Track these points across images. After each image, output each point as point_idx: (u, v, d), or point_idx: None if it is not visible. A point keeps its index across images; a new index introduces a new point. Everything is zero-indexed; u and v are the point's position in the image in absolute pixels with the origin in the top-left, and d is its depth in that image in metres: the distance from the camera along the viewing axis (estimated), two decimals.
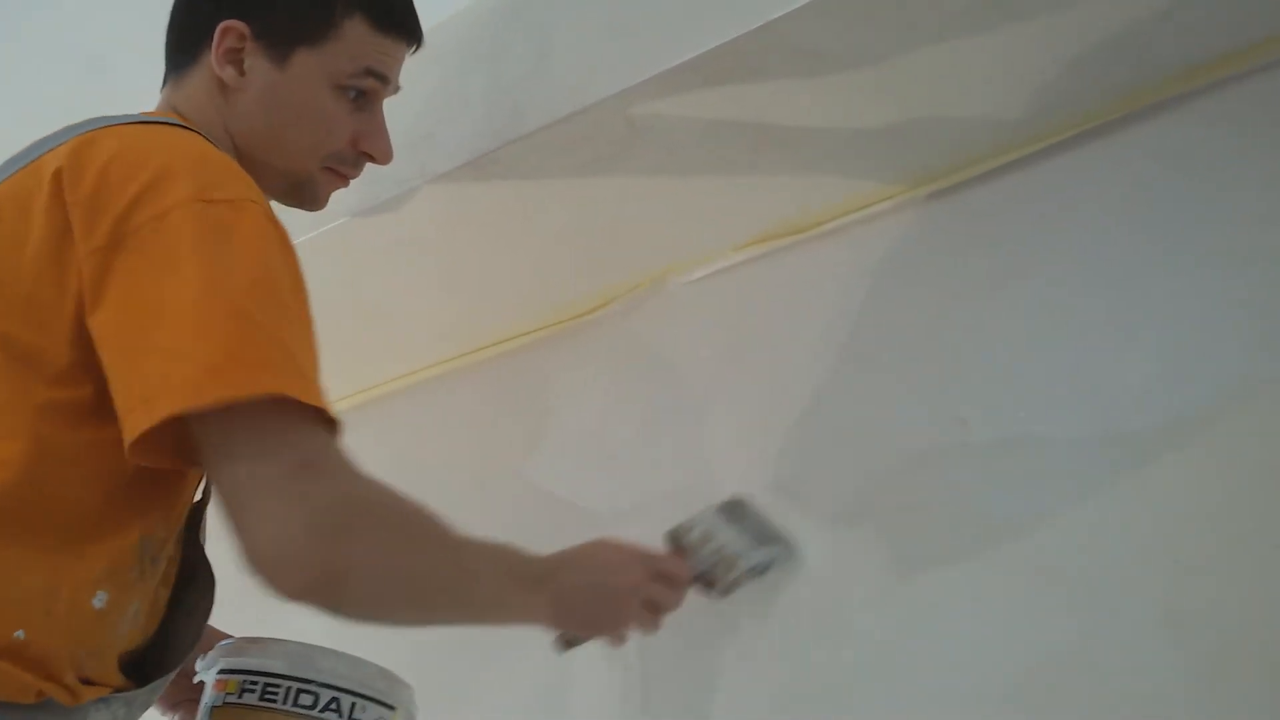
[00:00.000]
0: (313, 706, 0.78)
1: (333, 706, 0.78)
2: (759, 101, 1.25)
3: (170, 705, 0.97)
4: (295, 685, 0.78)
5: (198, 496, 0.88)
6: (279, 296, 0.74)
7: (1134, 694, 1.10)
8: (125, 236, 0.71)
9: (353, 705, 0.79)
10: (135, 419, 0.68)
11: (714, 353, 1.55)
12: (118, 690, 0.78)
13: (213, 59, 0.88)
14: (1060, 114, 1.29)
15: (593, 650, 1.43)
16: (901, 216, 1.43)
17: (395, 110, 1.44)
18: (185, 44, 0.92)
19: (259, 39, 0.88)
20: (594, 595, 0.90)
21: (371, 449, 1.81)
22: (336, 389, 1.85)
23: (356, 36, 0.91)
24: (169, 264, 0.70)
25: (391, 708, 0.82)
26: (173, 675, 0.84)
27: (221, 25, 0.88)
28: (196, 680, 0.85)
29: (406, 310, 1.67)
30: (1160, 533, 1.14)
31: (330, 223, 1.43)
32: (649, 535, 1.48)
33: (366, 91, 0.94)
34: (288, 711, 0.78)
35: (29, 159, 0.78)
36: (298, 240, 1.48)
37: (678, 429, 1.54)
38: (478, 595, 0.81)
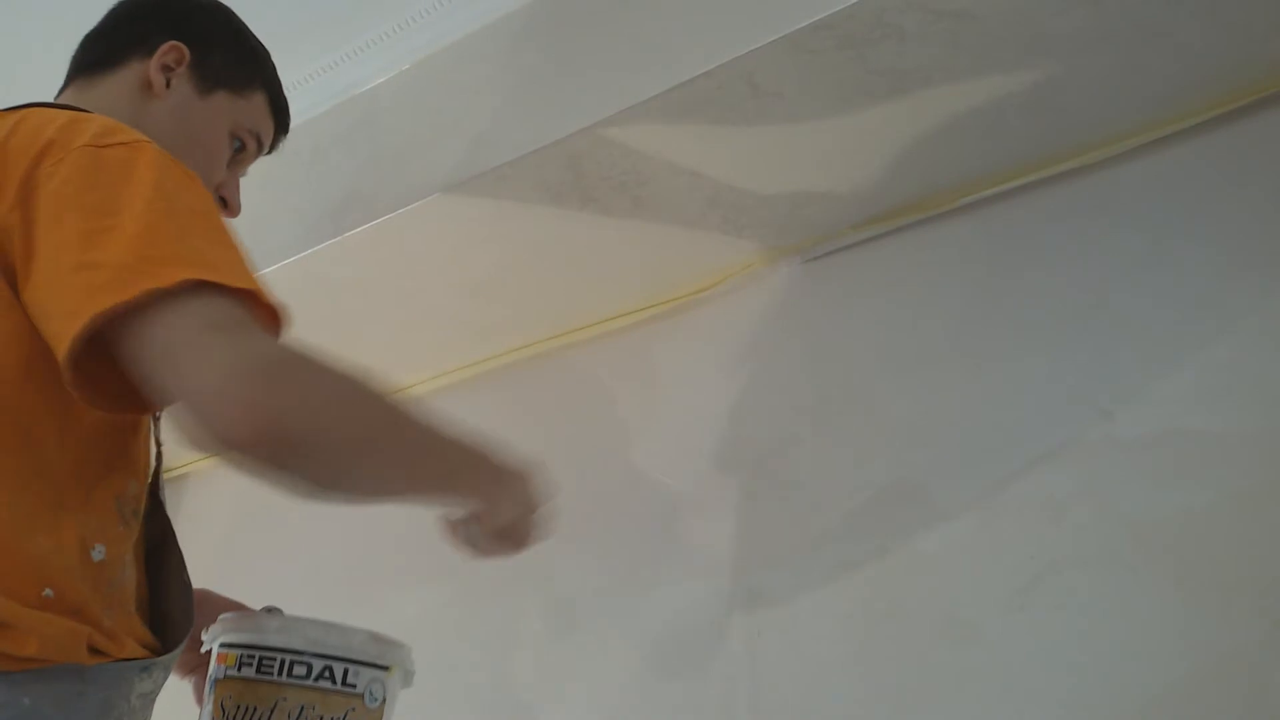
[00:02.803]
0: (306, 676, 0.84)
1: (326, 674, 0.84)
2: (892, 66, 1.17)
3: (186, 670, 1.01)
4: (288, 657, 0.84)
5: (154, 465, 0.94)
6: (183, 208, 0.78)
7: None
8: (32, 191, 0.75)
9: (345, 671, 0.85)
10: (64, 332, 0.70)
11: (826, 338, 1.47)
12: (156, 654, 0.83)
13: (151, 65, 1.02)
14: (1223, 86, 1.21)
15: (690, 649, 1.39)
16: (1042, 193, 1.35)
17: (506, 77, 1.40)
18: (117, 49, 1.03)
19: (193, 68, 1.04)
20: (517, 478, 0.92)
21: (476, 424, 1.80)
22: (441, 364, 1.84)
23: (260, 106, 1.10)
24: (69, 201, 0.75)
25: (385, 668, 0.88)
26: (186, 640, 0.89)
27: (171, 42, 1.02)
28: (204, 650, 0.91)
29: (510, 288, 1.63)
30: None
31: (427, 195, 1.40)
32: (759, 522, 1.43)
33: (246, 149, 1.09)
34: (282, 683, 0.83)
35: None
36: (396, 211, 1.48)
37: (785, 413, 1.47)
38: (433, 451, 0.83)
